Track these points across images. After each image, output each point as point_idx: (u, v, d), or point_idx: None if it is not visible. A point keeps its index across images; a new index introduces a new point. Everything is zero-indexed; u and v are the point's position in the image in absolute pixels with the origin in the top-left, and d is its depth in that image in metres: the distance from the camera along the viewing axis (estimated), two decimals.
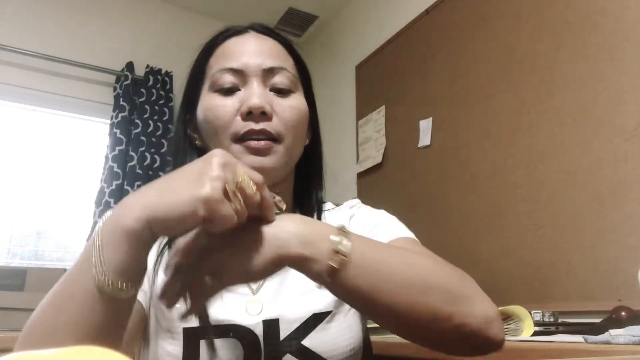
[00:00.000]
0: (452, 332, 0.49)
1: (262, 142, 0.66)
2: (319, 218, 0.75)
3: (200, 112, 0.71)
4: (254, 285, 0.68)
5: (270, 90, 0.69)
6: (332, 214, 0.78)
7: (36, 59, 2.51)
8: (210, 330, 0.63)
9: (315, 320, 0.65)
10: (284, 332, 0.64)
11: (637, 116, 1.31)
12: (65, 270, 2.44)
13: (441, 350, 0.54)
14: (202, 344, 0.63)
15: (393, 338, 1.14)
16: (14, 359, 0.19)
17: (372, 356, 0.85)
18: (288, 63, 0.72)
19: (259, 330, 0.64)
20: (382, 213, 0.77)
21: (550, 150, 1.53)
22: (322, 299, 0.66)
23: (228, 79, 0.69)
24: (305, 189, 0.77)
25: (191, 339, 0.63)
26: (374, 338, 0.91)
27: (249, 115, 0.66)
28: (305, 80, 0.76)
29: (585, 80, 1.45)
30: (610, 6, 1.42)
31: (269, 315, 0.65)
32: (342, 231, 0.48)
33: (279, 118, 0.68)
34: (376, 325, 0.57)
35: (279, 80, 0.70)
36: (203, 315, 0.63)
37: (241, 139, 0.66)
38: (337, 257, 0.46)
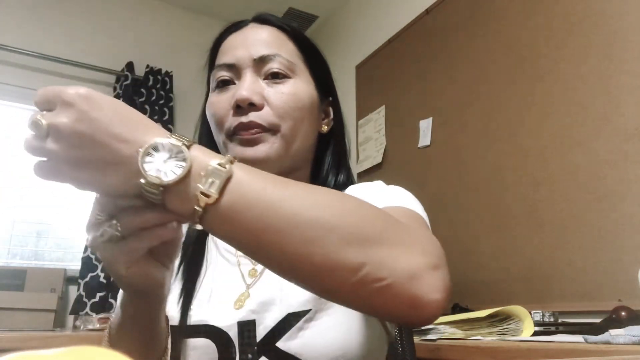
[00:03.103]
0: (360, 287, 0.40)
1: (253, 131, 0.65)
2: None
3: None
4: (249, 280, 0.66)
5: (265, 78, 0.68)
6: None
7: (36, 59, 2.51)
8: (184, 330, 0.62)
9: (291, 320, 0.60)
10: (262, 332, 0.61)
11: (637, 116, 1.31)
12: (65, 270, 2.43)
13: (357, 308, 0.45)
14: (184, 343, 0.62)
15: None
16: (14, 359, 0.19)
17: None
18: (285, 48, 0.70)
19: (233, 332, 0.61)
20: (378, 185, 0.70)
21: (550, 150, 1.53)
22: (297, 296, 0.61)
23: (223, 75, 0.69)
24: (319, 177, 0.75)
25: (174, 337, 0.62)
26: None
27: (239, 108, 0.66)
28: (313, 64, 0.74)
29: (585, 80, 1.45)
30: (610, 6, 1.42)
31: (248, 314, 0.62)
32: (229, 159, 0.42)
33: (271, 106, 0.66)
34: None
35: (272, 67, 0.68)
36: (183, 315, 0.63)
37: (233, 133, 0.66)
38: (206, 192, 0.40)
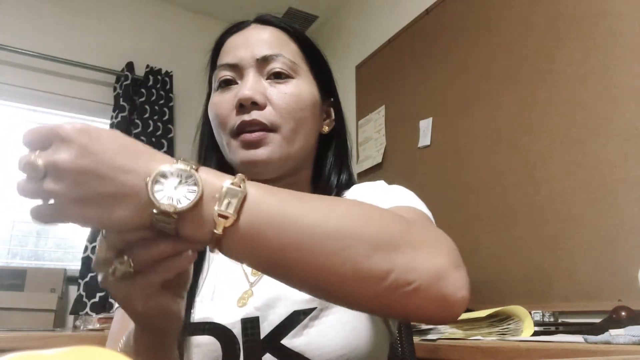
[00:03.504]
0: (388, 293, 0.40)
1: (255, 134, 0.65)
2: None
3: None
4: (252, 278, 0.66)
5: (268, 78, 0.69)
6: None
7: (36, 59, 2.51)
8: (188, 328, 0.62)
9: (297, 317, 0.60)
10: (266, 329, 0.61)
11: (637, 116, 1.31)
12: (65, 270, 2.42)
13: (385, 314, 0.45)
14: (188, 340, 0.62)
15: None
16: (14, 359, 0.19)
17: None
18: (287, 48, 0.71)
19: (237, 330, 0.61)
20: (380, 185, 0.71)
21: (550, 150, 1.53)
22: (302, 293, 0.61)
23: (225, 75, 0.70)
24: (320, 178, 0.75)
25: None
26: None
27: (242, 107, 0.66)
28: (315, 64, 0.74)
29: (586, 80, 1.45)
30: (610, 6, 1.42)
31: (252, 311, 0.62)
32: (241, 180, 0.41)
33: (273, 106, 0.67)
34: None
35: (274, 67, 0.68)
36: (186, 313, 0.62)
37: (237, 133, 0.67)
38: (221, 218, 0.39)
